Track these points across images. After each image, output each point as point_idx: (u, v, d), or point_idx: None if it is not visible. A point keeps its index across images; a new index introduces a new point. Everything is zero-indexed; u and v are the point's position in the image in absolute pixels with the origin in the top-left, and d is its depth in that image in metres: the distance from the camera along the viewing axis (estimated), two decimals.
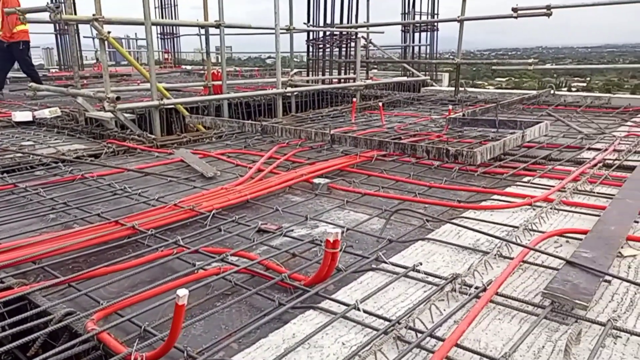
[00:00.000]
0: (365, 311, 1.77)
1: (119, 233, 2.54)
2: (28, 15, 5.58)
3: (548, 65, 14.79)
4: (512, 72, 24.93)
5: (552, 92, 8.16)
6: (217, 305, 1.91)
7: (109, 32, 5.24)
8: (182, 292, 1.30)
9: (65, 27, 11.45)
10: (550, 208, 2.81)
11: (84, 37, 14.98)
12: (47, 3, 5.09)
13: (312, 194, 3.39)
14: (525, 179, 3.52)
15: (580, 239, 2.30)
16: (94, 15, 5.12)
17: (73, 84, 6.83)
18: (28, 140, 5.19)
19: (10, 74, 10.65)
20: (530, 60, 8.40)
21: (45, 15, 5.32)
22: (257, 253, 2.37)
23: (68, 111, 6.68)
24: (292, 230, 2.66)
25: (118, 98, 5.10)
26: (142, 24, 5.42)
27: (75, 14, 10.49)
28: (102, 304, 1.84)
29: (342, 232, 2.60)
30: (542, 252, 2.20)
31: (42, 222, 2.87)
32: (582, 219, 2.70)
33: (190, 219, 2.80)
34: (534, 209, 2.86)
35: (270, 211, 3.00)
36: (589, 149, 4.41)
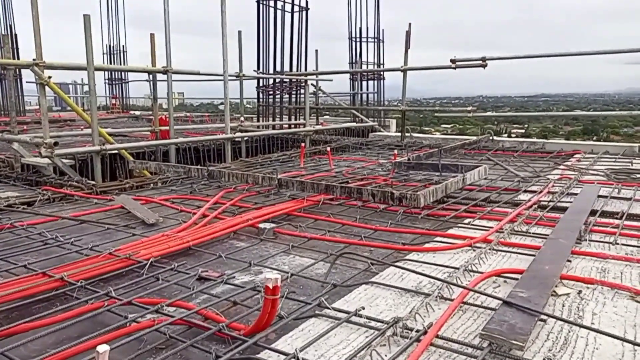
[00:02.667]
0: None
1: (45, 285, 2.37)
2: None
3: (488, 113, 15.67)
4: (455, 119, 26.21)
5: (491, 138, 8.59)
6: None
7: (49, 77, 5.11)
8: (102, 347, 1.21)
9: (3, 72, 11.10)
10: (489, 249, 2.88)
11: (27, 82, 14.55)
12: None
13: (258, 239, 3.33)
14: (466, 220, 3.62)
15: (517, 279, 2.36)
16: (34, 60, 4.99)
17: (10, 129, 6.55)
18: None
19: None
20: (469, 108, 8.87)
21: None
22: (196, 302, 2.27)
23: (3, 157, 6.36)
24: (234, 277, 2.58)
25: (56, 143, 4.91)
26: (84, 69, 5.33)
27: (18, 58, 10.24)
28: None
29: (287, 278, 2.55)
30: (481, 293, 2.24)
31: None
32: (519, 259, 2.78)
33: (126, 269, 2.67)
34: (474, 250, 2.93)
35: (213, 258, 2.92)
36: (525, 191, 4.62)
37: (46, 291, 2.36)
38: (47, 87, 5.24)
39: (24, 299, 2.28)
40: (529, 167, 6.09)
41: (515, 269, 2.54)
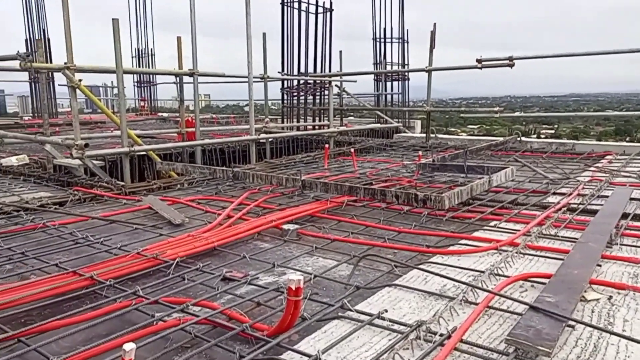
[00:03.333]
0: None
1: (76, 284, 2.44)
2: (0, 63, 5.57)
3: (516, 113, 15.36)
4: (482, 120, 25.79)
5: (518, 138, 8.43)
6: (174, 359, 1.83)
7: (80, 80, 5.25)
8: (129, 346, 1.24)
9: (37, 75, 11.46)
10: (516, 252, 2.83)
11: (59, 85, 14.98)
12: (18, 51, 5.11)
13: (281, 240, 3.35)
14: (492, 223, 3.57)
15: (545, 283, 2.31)
16: (65, 63, 5.14)
17: (43, 131, 6.75)
18: None
19: None
20: (496, 108, 8.73)
21: (16, 63, 5.32)
22: (220, 302, 2.30)
23: (37, 158, 6.57)
24: (258, 278, 2.60)
25: (87, 145, 5.05)
26: (114, 72, 5.46)
27: (51, 62, 10.55)
28: None
29: (309, 279, 2.56)
30: (507, 297, 2.20)
31: None
32: (546, 263, 2.72)
33: (153, 268, 2.72)
34: (500, 253, 2.88)
35: (237, 258, 2.95)
36: (554, 193, 4.52)
37: (77, 289, 2.43)
38: (78, 90, 5.39)
39: (56, 296, 2.36)
40: (558, 169, 5.96)
41: (542, 273, 2.49)
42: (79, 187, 4.98)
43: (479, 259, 2.82)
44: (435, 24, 8.92)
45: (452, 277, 2.45)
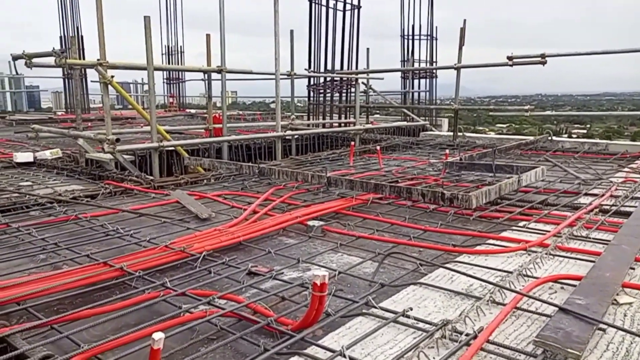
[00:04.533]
0: (351, 358, 1.71)
1: (106, 274, 2.51)
2: (35, 60, 5.74)
3: (547, 112, 15.00)
4: (511, 119, 25.30)
5: (549, 138, 8.24)
6: (200, 350, 1.86)
7: (112, 77, 5.37)
8: (158, 335, 1.27)
9: (71, 71, 11.77)
10: (546, 253, 2.77)
11: (92, 81, 15.34)
12: (53, 48, 5.26)
13: (306, 236, 3.36)
14: (521, 223, 3.50)
15: (575, 286, 2.26)
16: (98, 60, 5.27)
17: (75, 126, 6.94)
18: (27, 180, 5.21)
19: (15, 116, 10.84)
20: (526, 107, 8.55)
21: (51, 60, 5.48)
22: (245, 296, 2.33)
23: (69, 152, 6.76)
24: (282, 273, 2.62)
25: (117, 140, 5.16)
26: (144, 69, 5.56)
27: (83, 59, 10.83)
28: (82, 347, 1.79)
29: (334, 276, 2.56)
30: (536, 299, 2.16)
31: (31, 262, 2.84)
32: (577, 265, 2.65)
33: (180, 261, 2.77)
34: (529, 254, 2.82)
35: (262, 253, 2.97)
36: (585, 194, 4.40)
37: (107, 280, 2.49)
38: (110, 86, 5.52)
39: (87, 286, 2.42)
40: (591, 169, 5.80)
41: (573, 275, 2.43)
42: (110, 181, 5.10)
43: (507, 259, 2.77)
44: (465, 20, 8.79)
45: (479, 277, 2.41)
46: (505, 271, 2.55)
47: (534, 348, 1.76)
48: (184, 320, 2.04)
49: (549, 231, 3.20)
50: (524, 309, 2.11)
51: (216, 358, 1.83)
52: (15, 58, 5.57)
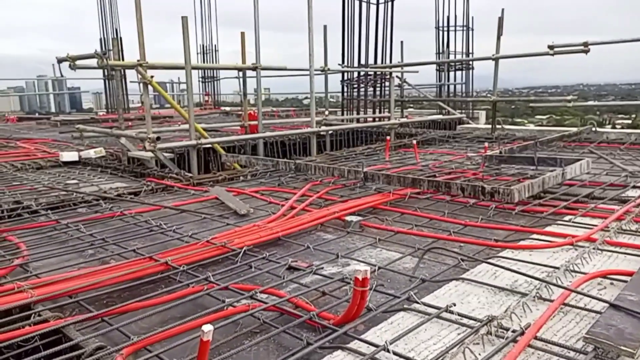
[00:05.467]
0: (395, 353, 1.71)
1: (152, 269, 2.58)
2: (78, 62, 5.94)
3: (590, 102, 14.44)
4: (552, 110, 24.50)
5: (593, 129, 7.93)
6: (244, 343, 1.89)
7: (152, 77, 5.50)
8: (207, 327, 1.30)
9: (112, 72, 12.14)
10: (593, 248, 2.68)
11: (130, 81, 15.75)
12: (95, 50, 5.43)
13: (344, 231, 3.36)
14: (567, 217, 3.39)
15: (626, 281, 2.17)
16: (138, 60, 5.41)
17: (117, 126, 7.16)
18: (73, 178, 5.42)
19: (60, 117, 11.27)
20: (569, 97, 8.26)
21: (93, 62, 5.66)
22: (286, 291, 2.35)
23: (112, 151, 6.98)
24: (322, 268, 2.63)
25: (158, 138, 5.29)
26: (182, 68, 5.68)
27: (122, 60, 11.13)
28: (132, 339, 1.85)
29: (374, 271, 2.55)
30: (585, 295, 2.09)
31: (80, 257, 2.96)
32: (627, 260, 2.55)
33: (222, 256, 2.82)
34: (575, 249, 2.74)
35: (301, 249, 2.99)
36: (633, 187, 4.23)
37: (153, 274, 2.57)
38: (149, 86, 5.66)
39: (134, 280, 2.50)
40: (638, 161, 5.56)
41: (623, 271, 2.34)
42: (152, 178, 5.25)
43: (552, 254, 2.70)
44: (503, 9, 8.55)
45: (524, 273, 2.36)
46: (551, 267, 2.48)
47: (584, 345, 1.71)
48: (227, 313, 2.08)
49: (596, 225, 3.09)
50: (573, 305, 2.04)
51: (260, 351, 1.86)
52: (60, 60, 5.78)
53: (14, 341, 1.91)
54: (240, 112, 11.91)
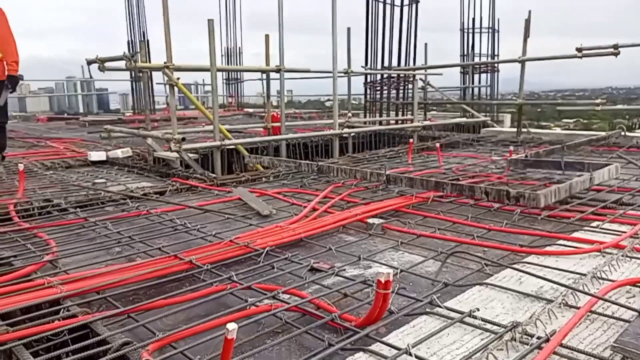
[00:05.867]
0: (417, 357, 1.70)
1: (177, 267, 2.63)
2: (107, 64, 6.08)
3: (619, 106, 14.09)
4: (579, 113, 23.96)
5: (622, 133, 7.74)
6: (267, 342, 1.91)
7: (178, 79, 5.60)
8: (232, 326, 1.32)
9: (140, 74, 12.37)
10: (622, 255, 2.62)
11: (157, 83, 16.01)
12: (124, 52, 5.56)
13: (366, 234, 3.36)
14: (594, 223, 3.32)
15: None
16: (165, 63, 5.51)
17: (144, 126, 7.30)
18: (101, 177, 5.55)
19: (88, 118, 11.52)
20: (597, 101, 8.07)
21: (121, 64, 5.79)
22: (308, 292, 2.37)
23: (139, 151, 7.12)
24: (344, 270, 2.64)
25: (183, 139, 5.38)
26: (208, 70, 5.76)
27: (149, 62, 11.34)
28: (157, 336, 1.89)
29: (396, 274, 2.55)
30: (613, 302, 2.04)
31: (107, 254, 3.03)
32: None
33: (244, 256, 2.85)
34: (603, 256, 2.68)
35: (323, 250, 3.00)
36: None
37: (177, 272, 2.61)
38: (175, 88, 5.75)
39: (159, 278, 2.55)
40: None
41: None
42: (176, 178, 5.33)
43: (579, 261, 2.64)
44: (530, 11, 8.43)
45: (550, 279, 2.32)
46: (578, 273, 2.43)
47: (611, 354, 1.68)
48: (250, 313, 2.10)
49: (625, 232, 3.01)
50: (600, 312, 2.00)
51: (282, 351, 1.87)
52: (89, 62, 5.93)
53: (44, 335, 1.97)
54: (263, 114, 12.02)
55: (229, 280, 2.47)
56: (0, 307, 2.16)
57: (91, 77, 14.03)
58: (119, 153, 6.81)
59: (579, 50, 7.64)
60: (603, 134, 7.85)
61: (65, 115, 19.09)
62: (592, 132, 10.97)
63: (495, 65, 12.92)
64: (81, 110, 21.59)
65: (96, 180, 5.29)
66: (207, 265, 2.63)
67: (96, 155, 6.76)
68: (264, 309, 2.11)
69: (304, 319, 2.10)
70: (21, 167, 4.78)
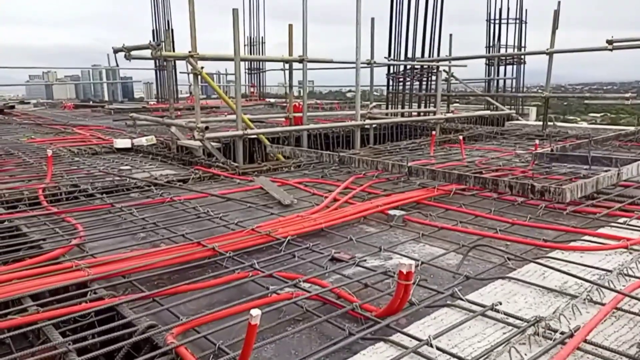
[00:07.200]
0: (438, 348, 1.70)
1: (200, 254, 2.67)
2: (133, 52, 6.16)
3: None
4: (607, 107, 23.36)
5: None
6: (287, 329, 1.93)
7: (202, 68, 5.64)
8: (255, 312, 1.34)
9: (164, 63, 12.50)
10: None
11: (180, 72, 16.14)
12: (150, 41, 5.62)
13: (387, 225, 3.35)
14: (621, 220, 3.25)
15: None
16: (189, 52, 5.55)
17: (168, 115, 7.39)
18: (126, 165, 5.65)
19: (113, 106, 11.69)
20: (627, 95, 7.86)
21: (147, 52, 5.86)
22: (329, 281, 2.38)
23: (162, 139, 7.22)
24: (365, 261, 2.64)
25: (207, 128, 5.43)
26: (232, 59, 5.78)
27: (174, 51, 11.45)
28: (181, 320, 1.93)
29: (417, 266, 2.54)
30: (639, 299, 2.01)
31: (133, 239, 3.09)
32: None
33: (266, 244, 2.88)
34: (630, 253, 2.62)
35: (344, 240, 3.01)
36: None
37: (200, 259, 2.66)
38: (199, 77, 5.80)
39: (183, 264, 2.60)
40: None
41: None
42: (199, 167, 5.39)
43: (605, 257, 2.60)
44: (559, 2, 8.21)
45: (575, 274, 2.28)
46: (603, 269, 2.39)
47: (637, 351, 1.65)
48: (271, 300, 2.13)
49: None
50: (626, 309, 1.97)
51: (302, 338, 1.89)
52: (116, 51, 6.02)
53: (71, 316, 2.02)
54: (284, 104, 12.03)
55: (250, 267, 2.50)
56: (30, 288, 2.23)
57: (117, 65, 14.20)
58: (143, 141, 6.91)
59: (609, 42, 7.43)
60: (632, 128, 7.63)
61: (91, 103, 19.44)
62: (619, 126, 10.68)
63: (522, 57, 12.66)
64: (106, 98, 21.93)
65: (122, 167, 5.39)
66: (230, 253, 2.66)
67: (121, 143, 6.88)
68: (285, 297, 2.13)
69: (324, 307, 2.11)
70: (50, 152, 4.89)
